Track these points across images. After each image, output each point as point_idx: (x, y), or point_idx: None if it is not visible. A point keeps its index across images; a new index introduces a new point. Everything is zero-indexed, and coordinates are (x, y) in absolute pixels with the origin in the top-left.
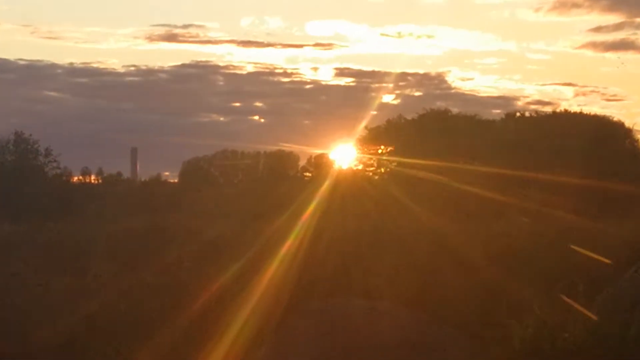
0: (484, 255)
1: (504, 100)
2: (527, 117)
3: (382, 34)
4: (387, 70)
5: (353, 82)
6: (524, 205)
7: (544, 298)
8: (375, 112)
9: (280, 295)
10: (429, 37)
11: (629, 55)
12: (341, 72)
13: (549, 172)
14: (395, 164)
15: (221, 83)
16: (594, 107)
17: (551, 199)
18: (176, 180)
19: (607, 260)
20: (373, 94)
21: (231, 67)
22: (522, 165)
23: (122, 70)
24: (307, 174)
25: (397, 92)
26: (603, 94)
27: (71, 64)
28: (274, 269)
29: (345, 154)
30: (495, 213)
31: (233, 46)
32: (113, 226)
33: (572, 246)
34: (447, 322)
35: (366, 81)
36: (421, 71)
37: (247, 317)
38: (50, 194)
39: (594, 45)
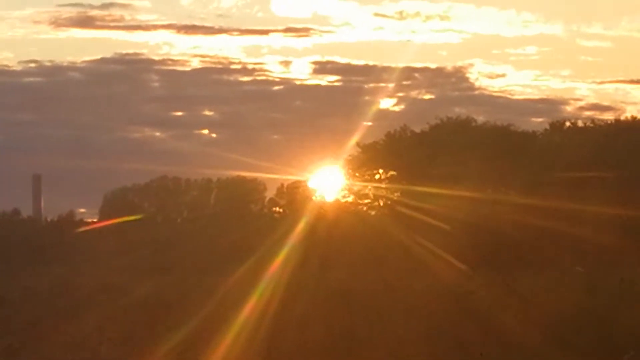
0: (522, 320)
1: (548, 105)
2: (581, 128)
3: (378, 14)
4: (386, 64)
5: (339, 81)
6: (578, 248)
7: None
8: (370, 123)
9: None
10: (442, 18)
11: None
12: (322, 68)
13: (613, 204)
14: (398, 194)
15: (156, 84)
16: None
17: (616, 240)
18: (95, 220)
19: None
20: (367, 98)
21: (169, 62)
22: (574, 194)
23: (18, 67)
24: (277, 209)
25: (400, 94)
26: None
27: None
28: (231, 342)
29: (329, 181)
30: (538, 261)
31: (171, 33)
32: (6, 285)
33: None
34: None
35: (357, 80)
36: (433, 65)
37: None
38: None
39: None
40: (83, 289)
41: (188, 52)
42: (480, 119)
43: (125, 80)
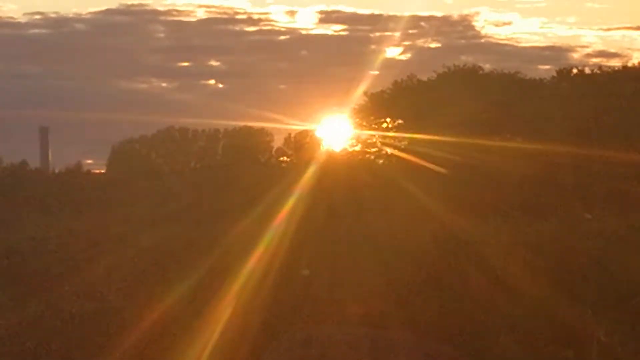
0: (527, 268)
1: (555, 52)
2: (587, 75)
3: None
4: (392, 13)
5: (345, 30)
6: (585, 195)
7: (612, 322)
8: (377, 72)
9: (249, 324)
10: None
11: None
12: (328, 17)
13: (620, 147)
14: (405, 142)
15: (162, 35)
16: None
17: (624, 187)
18: (103, 171)
19: None
20: (373, 47)
21: (174, 13)
22: (581, 140)
23: (23, 19)
24: (285, 158)
25: (407, 43)
26: None
27: None
28: (240, 287)
29: (336, 130)
30: (546, 207)
31: None
32: (14, 235)
33: None
34: (481, 357)
35: (363, 29)
36: (439, 13)
37: (204, 354)
38: None
39: None
40: (90, 238)
41: (193, 2)
42: (487, 67)
43: (130, 31)
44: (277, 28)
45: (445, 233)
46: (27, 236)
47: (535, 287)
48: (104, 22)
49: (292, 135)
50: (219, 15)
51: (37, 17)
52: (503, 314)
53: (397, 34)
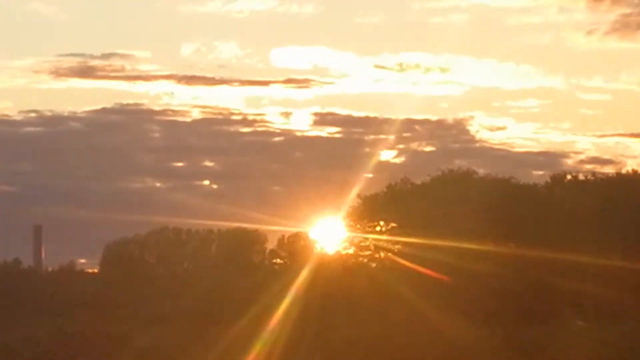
0: None
1: (548, 158)
2: (581, 181)
3: (378, 66)
4: (387, 116)
5: (339, 132)
6: (579, 302)
7: None
8: (371, 175)
9: None
10: (442, 70)
11: None
12: (322, 119)
13: (614, 256)
14: (399, 246)
15: (157, 135)
16: None
17: (619, 294)
18: (96, 270)
19: None
20: (367, 150)
21: (170, 113)
22: (575, 247)
23: (18, 117)
24: (278, 260)
25: (401, 146)
26: None
27: None
28: None
29: (330, 233)
30: (539, 314)
31: (172, 83)
32: (6, 334)
33: None
34: None
35: (357, 132)
36: (433, 117)
37: None
38: None
39: None
40: (80, 338)
41: (188, 102)
42: (481, 171)
43: (125, 131)
44: (272, 129)
45: (439, 337)
46: (19, 336)
47: None
48: (99, 121)
49: (286, 237)
50: (214, 116)
51: (33, 115)
52: None
53: (392, 137)
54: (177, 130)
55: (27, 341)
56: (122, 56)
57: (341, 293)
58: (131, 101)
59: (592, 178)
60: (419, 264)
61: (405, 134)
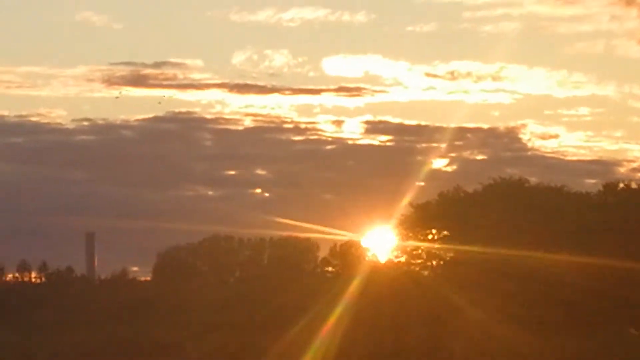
0: None
1: (601, 166)
2: (634, 190)
3: (429, 75)
4: (438, 124)
5: (391, 141)
6: (633, 309)
7: None
8: (422, 183)
9: None
10: (494, 78)
11: None
12: (374, 127)
13: None
14: (451, 254)
15: (209, 143)
16: None
17: None
18: (148, 278)
19: None
20: (419, 158)
21: (222, 121)
22: (628, 254)
23: (71, 125)
24: (330, 268)
25: (453, 155)
26: None
27: (1, 117)
28: None
29: (382, 241)
30: (592, 322)
31: (224, 91)
32: (60, 340)
33: None
34: None
35: (409, 140)
36: (485, 126)
37: None
38: None
39: None
40: (135, 345)
41: (240, 110)
42: (533, 179)
43: (178, 139)
44: (323, 137)
45: (492, 345)
46: (72, 343)
47: None
48: (151, 130)
49: (338, 246)
50: (265, 124)
51: (85, 123)
52: None
53: (443, 145)
54: (229, 139)
55: (79, 348)
56: (174, 64)
57: (393, 301)
58: (183, 109)
59: None
60: (471, 271)
61: (457, 142)
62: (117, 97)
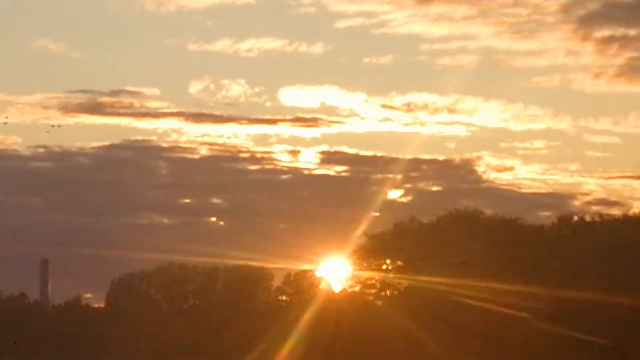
0: None
1: (556, 199)
2: (588, 223)
3: (385, 106)
4: (394, 155)
5: (347, 171)
6: (589, 342)
7: None
8: (377, 214)
9: None
10: (450, 111)
11: None
12: (330, 158)
13: (619, 295)
14: (406, 284)
15: (164, 171)
16: None
17: (617, 334)
18: (102, 305)
19: None
20: (374, 188)
21: (178, 150)
22: (584, 287)
23: (26, 152)
24: (284, 297)
25: (408, 186)
26: None
27: None
28: None
29: (336, 271)
30: (549, 354)
31: (180, 120)
32: None
33: None
34: None
35: (365, 170)
36: (441, 157)
37: None
38: None
39: None
40: None
41: (197, 139)
42: (488, 211)
43: (133, 167)
44: (279, 167)
45: None
46: None
47: None
48: (107, 157)
49: (292, 275)
50: (222, 153)
51: (41, 150)
52: None
53: (399, 176)
54: (185, 167)
55: None
56: (131, 93)
57: (347, 330)
58: (139, 137)
59: (599, 219)
60: (425, 301)
61: (412, 174)
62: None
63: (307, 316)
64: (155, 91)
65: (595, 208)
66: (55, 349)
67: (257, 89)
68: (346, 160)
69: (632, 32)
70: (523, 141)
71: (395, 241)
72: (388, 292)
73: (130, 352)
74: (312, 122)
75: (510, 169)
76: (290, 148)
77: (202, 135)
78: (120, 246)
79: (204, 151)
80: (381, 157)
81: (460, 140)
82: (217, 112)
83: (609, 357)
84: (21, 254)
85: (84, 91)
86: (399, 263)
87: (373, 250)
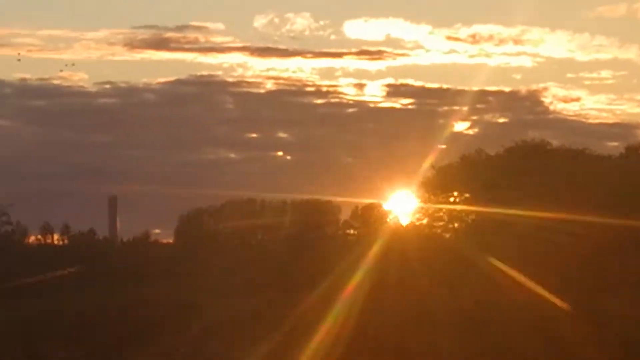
0: (600, 346)
1: (623, 129)
2: None
3: (451, 38)
4: (460, 87)
5: (413, 104)
6: None
7: None
8: (444, 146)
9: None
10: (516, 42)
11: None
12: (396, 91)
13: None
14: (473, 216)
15: (230, 106)
16: None
17: None
18: (170, 241)
19: None
20: (441, 121)
21: (244, 84)
22: None
23: (93, 89)
24: (352, 231)
25: (474, 118)
26: None
27: (22, 80)
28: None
29: (404, 204)
30: (617, 282)
31: (245, 55)
32: (81, 302)
33: None
34: None
35: (431, 103)
36: (507, 89)
37: None
38: None
39: None
40: (156, 306)
41: (262, 74)
42: (555, 142)
43: (199, 102)
44: (345, 101)
45: (515, 307)
46: (94, 305)
47: None
48: (173, 93)
49: (360, 208)
50: (287, 87)
51: (107, 86)
52: None
53: (465, 109)
54: (251, 102)
55: (101, 310)
56: (196, 28)
57: (414, 263)
58: (205, 72)
59: None
60: (492, 233)
61: (478, 106)
62: (73, 65)
63: (375, 249)
64: (220, 26)
65: None
66: (125, 284)
67: (321, 22)
68: (412, 93)
69: None
70: (590, 71)
71: (462, 173)
72: (456, 224)
73: (199, 287)
74: (377, 55)
75: (577, 99)
76: (356, 81)
77: (268, 70)
78: (187, 182)
79: (269, 85)
80: (447, 90)
81: (527, 71)
82: (282, 46)
83: None
84: (89, 191)
85: (149, 27)
86: (467, 195)
87: (440, 182)
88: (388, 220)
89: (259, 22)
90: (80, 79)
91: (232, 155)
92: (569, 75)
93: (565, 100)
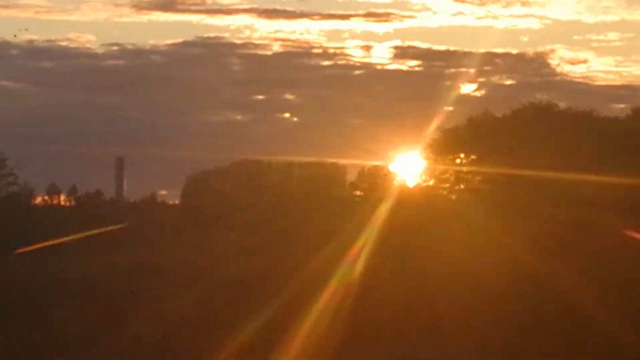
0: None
1: (630, 91)
2: None
3: (458, 0)
4: (467, 49)
5: (419, 66)
6: None
7: None
8: (451, 108)
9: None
10: (523, 4)
11: None
12: (403, 53)
13: None
14: (480, 178)
15: (237, 68)
16: None
17: None
18: (177, 202)
19: None
20: (448, 83)
21: (251, 46)
22: None
23: (100, 50)
24: (358, 192)
25: (481, 80)
26: None
27: (30, 41)
28: (311, 325)
29: (410, 166)
30: (620, 244)
31: (252, 17)
32: (90, 262)
33: None
34: None
35: (438, 65)
36: (514, 51)
37: None
38: (5, 218)
39: None
40: (162, 268)
41: (269, 36)
42: (562, 104)
43: (206, 64)
44: (352, 63)
45: (519, 269)
46: (100, 265)
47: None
48: (180, 54)
49: (366, 170)
50: (294, 49)
51: (115, 48)
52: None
53: (472, 71)
54: (258, 64)
55: (107, 270)
56: None
57: (420, 225)
58: (212, 34)
59: None
60: (499, 195)
61: (485, 68)
62: (15, 36)
63: (381, 211)
64: None
65: None
66: (130, 245)
67: None
68: (419, 55)
69: None
70: (597, 33)
71: (469, 135)
72: (462, 186)
73: (206, 248)
74: (384, 17)
75: (584, 61)
76: (363, 43)
77: (275, 32)
78: (194, 143)
79: (276, 47)
80: (454, 52)
81: (534, 33)
82: (289, 8)
83: None
84: (96, 152)
85: None
86: (473, 157)
87: (447, 144)
88: (394, 182)
89: None
90: (87, 40)
91: (239, 117)
92: (576, 37)
93: (573, 62)
